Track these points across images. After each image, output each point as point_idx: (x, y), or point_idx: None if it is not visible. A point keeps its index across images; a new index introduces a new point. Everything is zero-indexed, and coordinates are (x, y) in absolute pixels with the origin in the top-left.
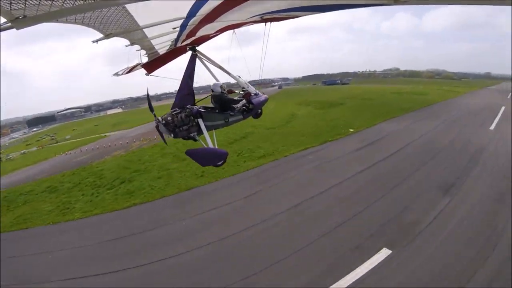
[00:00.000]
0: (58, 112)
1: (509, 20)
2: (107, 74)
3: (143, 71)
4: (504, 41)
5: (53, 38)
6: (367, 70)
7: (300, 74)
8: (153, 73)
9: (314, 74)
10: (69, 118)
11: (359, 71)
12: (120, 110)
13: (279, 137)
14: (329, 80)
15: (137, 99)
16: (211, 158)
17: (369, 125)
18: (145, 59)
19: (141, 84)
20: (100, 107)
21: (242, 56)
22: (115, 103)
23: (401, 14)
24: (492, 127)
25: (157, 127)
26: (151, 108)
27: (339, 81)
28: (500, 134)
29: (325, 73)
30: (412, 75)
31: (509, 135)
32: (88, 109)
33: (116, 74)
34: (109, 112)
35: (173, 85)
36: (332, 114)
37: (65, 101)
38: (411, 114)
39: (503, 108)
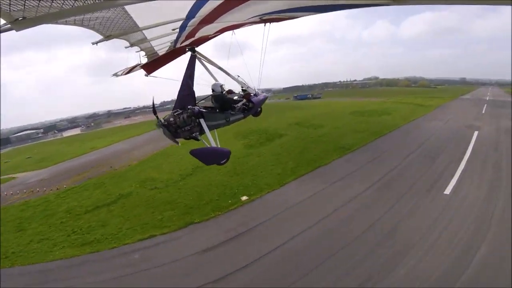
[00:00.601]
0: (12, 135)
1: (480, 25)
2: (89, 85)
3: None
4: (475, 46)
5: (31, 49)
6: (347, 80)
7: (285, 85)
8: (152, 74)
9: (294, 86)
10: (24, 140)
11: (339, 81)
12: (78, 131)
13: (145, 207)
14: (300, 95)
15: (111, 115)
16: (214, 157)
17: (277, 185)
18: (144, 60)
19: (122, 96)
20: (69, 124)
21: (230, 66)
22: (90, 118)
23: (381, 22)
24: (449, 187)
25: (164, 132)
26: (154, 112)
27: (310, 96)
28: (454, 211)
29: (306, 84)
30: (390, 84)
31: (470, 209)
32: (51, 127)
33: (116, 74)
34: (66, 134)
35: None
36: (255, 157)
37: (45, 112)
38: (346, 158)
39: (475, 135)
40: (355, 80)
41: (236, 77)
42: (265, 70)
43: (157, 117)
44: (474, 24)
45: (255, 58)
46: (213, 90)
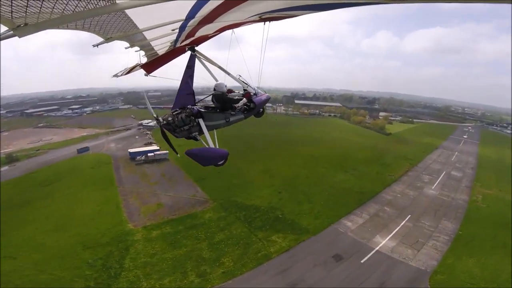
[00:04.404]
0: None
1: (484, 47)
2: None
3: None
4: (472, 68)
5: None
6: (321, 91)
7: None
8: (152, 74)
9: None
10: None
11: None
12: None
13: None
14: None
15: (23, 114)
16: (212, 158)
17: None
18: (144, 60)
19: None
20: None
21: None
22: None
23: (384, 32)
24: None
25: (162, 132)
26: (151, 111)
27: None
28: None
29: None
30: (345, 116)
31: None
32: None
33: (116, 75)
34: None
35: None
36: None
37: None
38: None
39: None
40: (333, 95)
41: (237, 77)
42: (257, 67)
43: (154, 116)
44: (478, 45)
45: (248, 52)
46: (214, 90)
